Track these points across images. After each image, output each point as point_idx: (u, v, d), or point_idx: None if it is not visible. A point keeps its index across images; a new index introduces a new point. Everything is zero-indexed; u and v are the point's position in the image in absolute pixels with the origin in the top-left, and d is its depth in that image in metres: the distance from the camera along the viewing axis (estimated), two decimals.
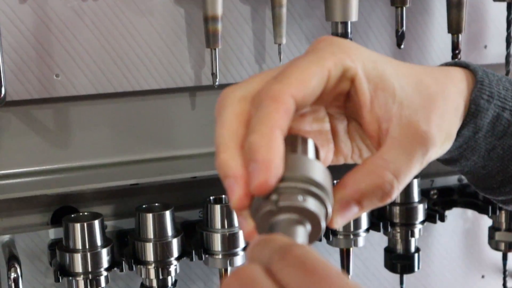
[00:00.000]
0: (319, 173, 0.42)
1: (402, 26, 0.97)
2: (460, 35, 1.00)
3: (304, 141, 0.46)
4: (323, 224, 0.42)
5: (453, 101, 0.51)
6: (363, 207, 0.45)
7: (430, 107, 0.49)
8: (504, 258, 1.14)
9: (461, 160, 0.56)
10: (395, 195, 0.45)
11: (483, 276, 1.19)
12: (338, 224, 0.44)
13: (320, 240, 1.00)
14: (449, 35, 1.00)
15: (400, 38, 0.98)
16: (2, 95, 0.82)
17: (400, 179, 0.45)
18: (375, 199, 0.45)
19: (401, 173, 0.45)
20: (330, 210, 0.43)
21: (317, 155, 0.46)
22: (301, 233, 0.40)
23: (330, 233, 1.00)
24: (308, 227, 0.41)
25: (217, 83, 0.92)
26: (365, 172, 0.45)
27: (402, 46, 0.99)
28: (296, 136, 0.46)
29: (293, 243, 0.36)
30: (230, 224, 0.94)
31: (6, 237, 0.92)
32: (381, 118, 0.47)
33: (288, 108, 0.43)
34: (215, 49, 0.90)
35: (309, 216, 0.41)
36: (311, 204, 0.41)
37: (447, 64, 0.56)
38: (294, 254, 0.34)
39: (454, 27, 0.99)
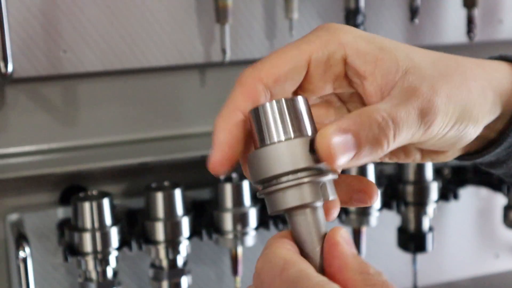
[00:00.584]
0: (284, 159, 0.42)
1: (415, 0, 0.97)
2: (475, 9, 0.98)
3: (290, 104, 0.44)
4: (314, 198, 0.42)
5: (476, 82, 0.49)
6: (361, 144, 0.43)
7: (440, 77, 0.47)
8: None
9: (508, 161, 0.54)
10: (392, 143, 0.44)
11: (497, 256, 1.19)
12: (339, 163, 0.42)
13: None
14: (464, 10, 0.99)
15: (414, 12, 0.98)
16: (9, 72, 0.82)
17: (396, 123, 0.44)
18: (371, 137, 0.43)
19: (397, 118, 0.44)
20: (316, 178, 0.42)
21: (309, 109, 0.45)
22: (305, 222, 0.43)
23: (343, 212, 0.99)
24: (312, 209, 0.43)
25: (227, 60, 0.91)
26: (360, 111, 0.45)
27: (416, 21, 0.99)
28: (280, 101, 0.44)
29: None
30: (241, 203, 0.94)
31: (14, 216, 0.93)
32: (384, 86, 0.46)
33: (251, 91, 0.45)
34: (225, 25, 0.90)
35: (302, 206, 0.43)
36: (289, 198, 0.42)
37: (491, 58, 0.54)
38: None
39: (469, 1, 0.98)
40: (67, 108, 0.92)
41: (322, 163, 0.42)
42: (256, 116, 0.43)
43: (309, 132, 0.43)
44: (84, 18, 0.88)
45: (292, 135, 0.42)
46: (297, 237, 0.43)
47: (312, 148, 0.42)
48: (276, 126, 0.43)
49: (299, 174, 0.42)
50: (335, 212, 0.47)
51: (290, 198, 0.42)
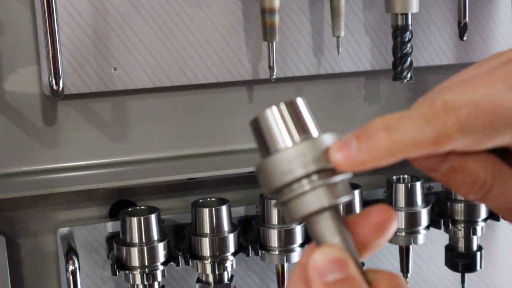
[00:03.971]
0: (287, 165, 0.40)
1: (465, 17, 0.96)
2: None
3: (290, 107, 0.42)
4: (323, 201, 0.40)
5: None
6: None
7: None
8: None
9: None
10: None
11: None
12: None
13: None
14: None
15: (462, 29, 0.97)
16: (60, 89, 0.82)
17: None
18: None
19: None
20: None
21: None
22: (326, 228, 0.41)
23: None
24: (332, 212, 0.41)
25: (274, 77, 0.91)
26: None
27: (465, 38, 0.98)
28: (279, 106, 0.42)
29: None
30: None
31: (65, 230, 0.93)
32: None
33: None
34: (272, 42, 0.90)
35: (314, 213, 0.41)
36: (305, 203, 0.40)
37: None
38: None
39: None
40: (117, 124, 0.92)
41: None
42: (257, 124, 0.41)
43: (314, 134, 0.41)
44: (134, 36, 0.89)
45: (298, 139, 0.40)
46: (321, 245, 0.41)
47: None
48: (280, 132, 0.41)
49: (313, 177, 0.40)
50: (392, 224, 0.41)
51: (305, 205, 0.40)
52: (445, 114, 0.38)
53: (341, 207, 0.42)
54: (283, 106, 0.41)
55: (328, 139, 0.41)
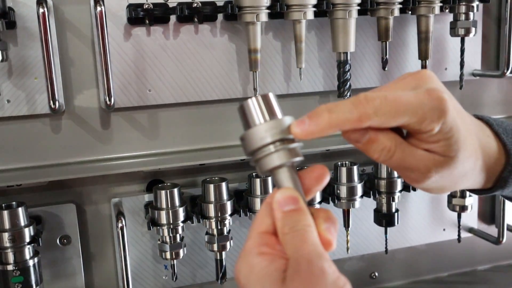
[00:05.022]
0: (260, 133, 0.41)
1: (386, 54, 0.96)
2: (427, 60, 0.98)
3: (264, 98, 0.43)
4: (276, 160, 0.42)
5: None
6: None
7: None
8: (459, 216, 1.12)
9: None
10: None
11: (444, 229, 1.17)
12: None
13: (329, 203, 0.99)
14: (419, 61, 0.98)
15: (384, 63, 0.97)
16: (112, 104, 0.82)
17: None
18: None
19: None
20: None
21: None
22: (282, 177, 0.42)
23: (335, 198, 0.98)
24: (288, 168, 0.42)
25: (257, 95, 0.90)
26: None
27: (386, 69, 0.98)
28: (257, 97, 0.43)
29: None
30: (266, 191, 0.94)
31: (116, 199, 0.94)
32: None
33: None
34: (255, 72, 0.89)
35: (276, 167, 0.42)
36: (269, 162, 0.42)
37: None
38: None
39: (423, 55, 0.98)
40: (151, 128, 0.92)
41: (291, 135, 0.41)
42: (242, 108, 0.43)
43: (280, 116, 0.42)
44: (162, 67, 0.89)
45: (268, 118, 0.42)
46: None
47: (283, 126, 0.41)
48: (257, 113, 0.42)
49: (277, 144, 0.41)
50: (326, 176, 0.43)
51: (271, 161, 0.41)
52: (366, 103, 0.41)
53: (295, 164, 0.43)
54: (259, 97, 0.42)
55: (288, 119, 0.42)
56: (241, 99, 0.95)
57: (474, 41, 1.05)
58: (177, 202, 0.90)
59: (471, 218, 1.18)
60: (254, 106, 0.42)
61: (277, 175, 0.42)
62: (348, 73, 0.92)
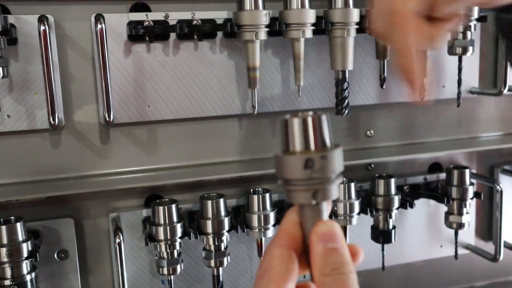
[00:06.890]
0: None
1: (384, 72, 0.97)
2: (425, 78, 0.98)
3: (312, 121, 0.37)
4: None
5: None
6: None
7: None
8: (456, 233, 1.12)
9: None
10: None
11: (441, 246, 1.17)
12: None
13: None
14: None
15: (382, 81, 0.98)
16: (111, 119, 0.83)
17: None
18: None
19: None
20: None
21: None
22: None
23: (332, 214, 0.99)
24: (311, 207, 0.38)
25: (255, 112, 0.91)
26: None
27: (384, 87, 0.98)
28: (306, 118, 0.37)
29: None
30: (264, 208, 0.94)
31: (114, 214, 0.94)
32: None
33: None
34: (254, 89, 0.89)
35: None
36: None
37: None
38: None
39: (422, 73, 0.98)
40: (150, 143, 0.92)
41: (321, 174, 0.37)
42: (285, 124, 0.37)
43: (324, 146, 0.37)
44: (160, 83, 0.89)
45: (313, 149, 0.37)
46: (302, 224, 0.39)
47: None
48: (298, 138, 0.37)
49: (308, 181, 0.37)
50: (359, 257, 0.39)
51: (298, 197, 0.38)
52: None
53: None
54: (309, 119, 0.37)
55: (337, 152, 0.37)
56: (240, 116, 0.96)
57: (472, 59, 1.06)
58: (174, 218, 0.89)
59: (468, 234, 1.18)
60: (299, 127, 0.37)
61: (314, 209, 0.38)
62: (346, 91, 0.92)
